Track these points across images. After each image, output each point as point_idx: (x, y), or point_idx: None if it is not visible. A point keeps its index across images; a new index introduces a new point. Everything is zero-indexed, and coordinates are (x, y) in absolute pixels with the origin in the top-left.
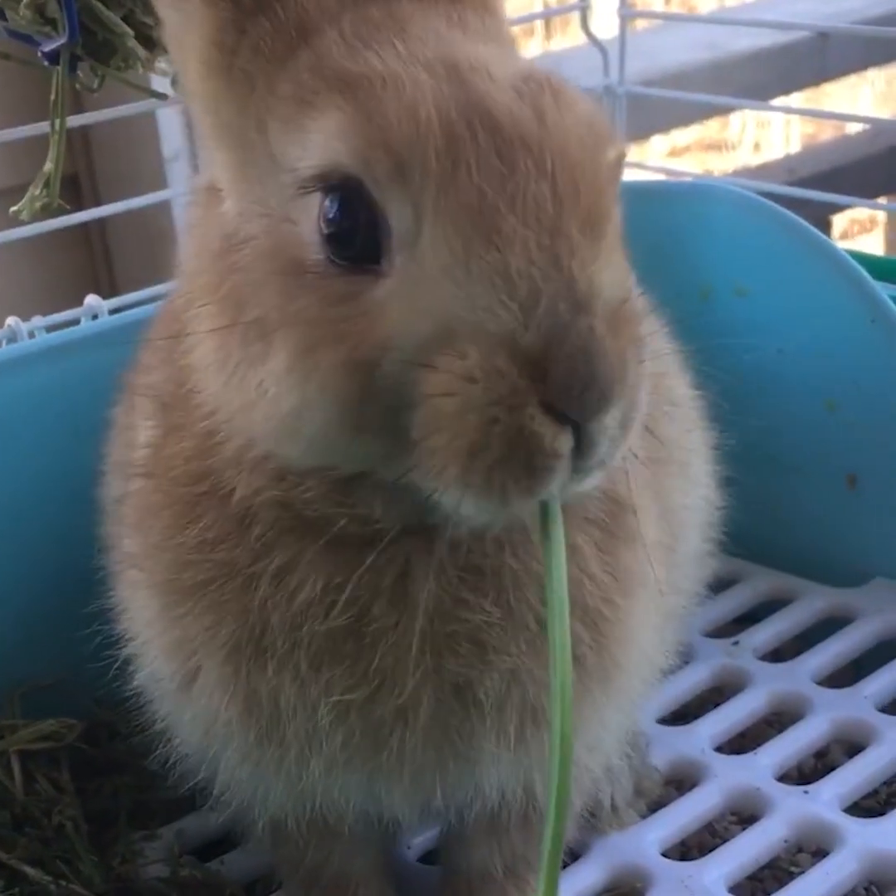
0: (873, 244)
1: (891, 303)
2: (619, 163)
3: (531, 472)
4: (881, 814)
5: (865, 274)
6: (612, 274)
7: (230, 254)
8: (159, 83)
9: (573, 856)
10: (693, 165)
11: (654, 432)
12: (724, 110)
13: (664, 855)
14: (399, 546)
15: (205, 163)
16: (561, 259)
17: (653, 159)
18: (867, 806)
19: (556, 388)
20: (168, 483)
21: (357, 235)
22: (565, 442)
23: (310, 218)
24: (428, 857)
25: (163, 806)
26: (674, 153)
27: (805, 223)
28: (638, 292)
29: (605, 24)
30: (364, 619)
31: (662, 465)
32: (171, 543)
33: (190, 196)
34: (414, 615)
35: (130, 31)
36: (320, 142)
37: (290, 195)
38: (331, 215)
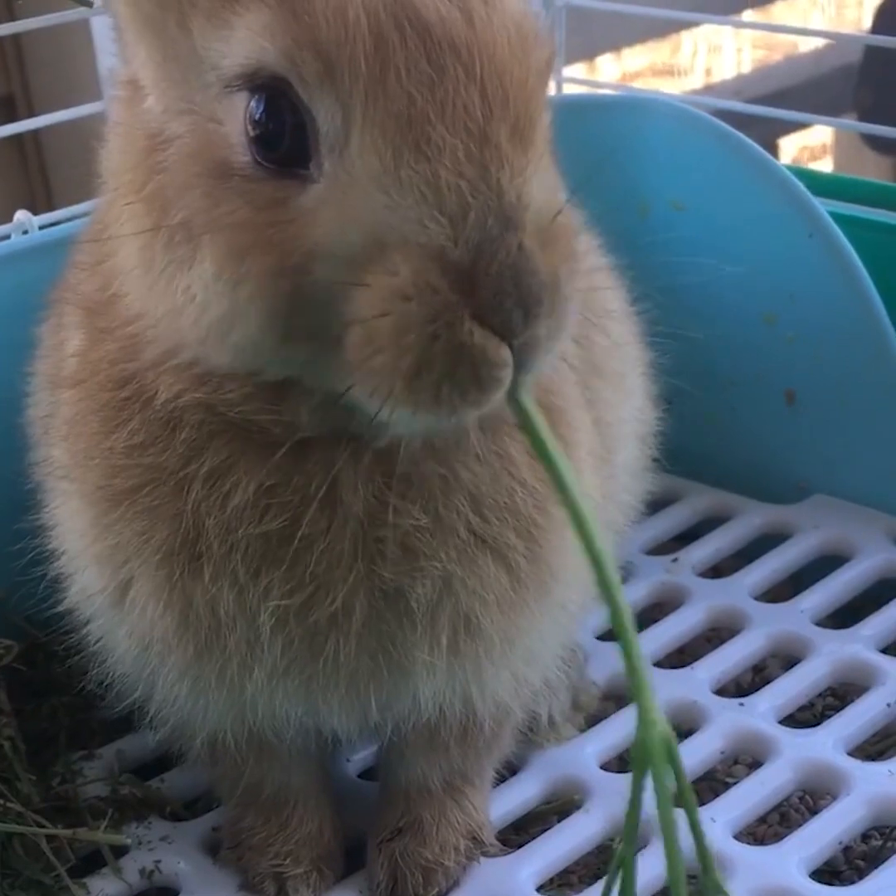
0: (826, 171)
1: (828, 217)
2: (549, 64)
3: (479, 384)
4: (816, 725)
5: (803, 188)
6: (541, 184)
7: (155, 152)
8: None
9: (512, 769)
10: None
11: (587, 345)
12: (673, 29)
13: (603, 768)
14: (326, 451)
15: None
16: (490, 170)
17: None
18: (802, 718)
19: (485, 305)
20: (95, 388)
21: (284, 137)
22: (506, 350)
23: (236, 118)
24: (368, 774)
25: (102, 726)
26: (625, 78)
27: (742, 136)
28: (571, 205)
29: None
30: (297, 523)
31: (596, 377)
32: (100, 449)
33: (113, 90)
34: (343, 520)
35: None
36: (246, 39)
37: (215, 94)
38: (257, 116)
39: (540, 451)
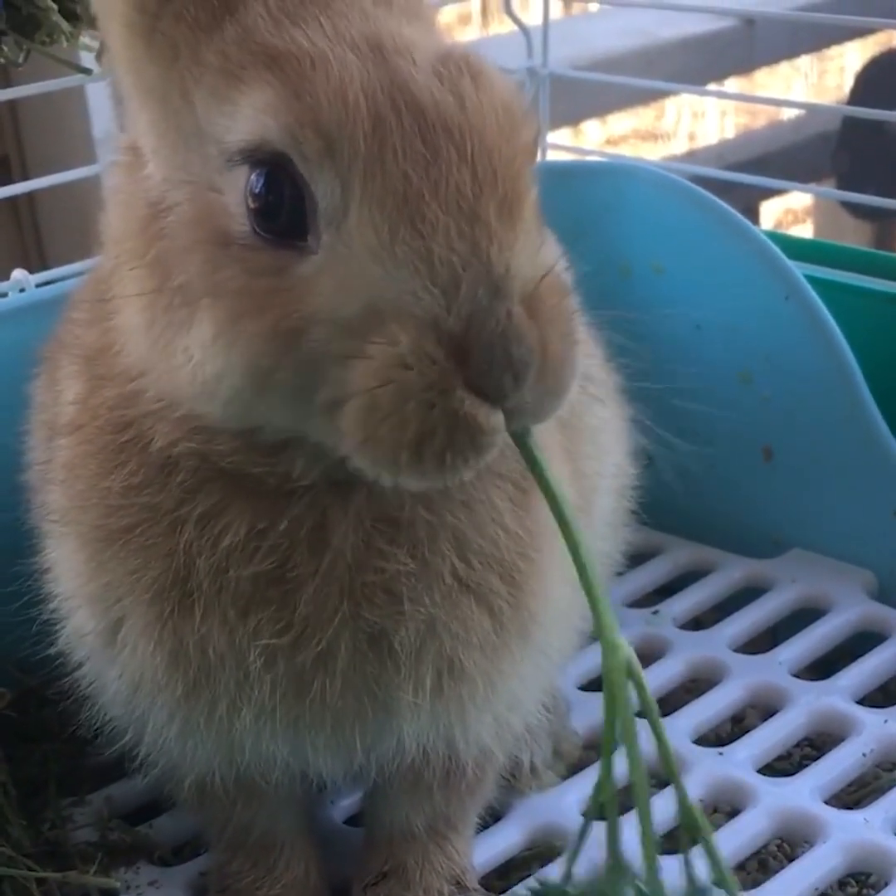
0: (806, 234)
1: (804, 280)
2: (535, 142)
3: (476, 449)
4: (793, 774)
5: (779, 252)
6: (529, 254)
7: (156, 220)
8: (87, 60)
9: (494, 816)
10: (629, 154)
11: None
12: (656, 97)
13: (584, 815)
14: (317, 497)
15: (128, 123)
16: (480, 245)
17: (589, 147)
18: (780, 767)
19: (477, 371)
20: (94, 432)
21: (283, 210)
22: (498, 416)
23: (236, 189)
24: (353, 821)
25: (92, 772)
26: (610, 143)
27: (720, 202)
28: (561, 267)
29: (536, 11)
30: (286, 565)
31: (574, 431)
32: (97, 490)
33: (114, 156)
34: (331, 564)
35: (54, 5)
36: (249, 116)
37: (216, 166)
38: (257, 189)
39: (543, 487)
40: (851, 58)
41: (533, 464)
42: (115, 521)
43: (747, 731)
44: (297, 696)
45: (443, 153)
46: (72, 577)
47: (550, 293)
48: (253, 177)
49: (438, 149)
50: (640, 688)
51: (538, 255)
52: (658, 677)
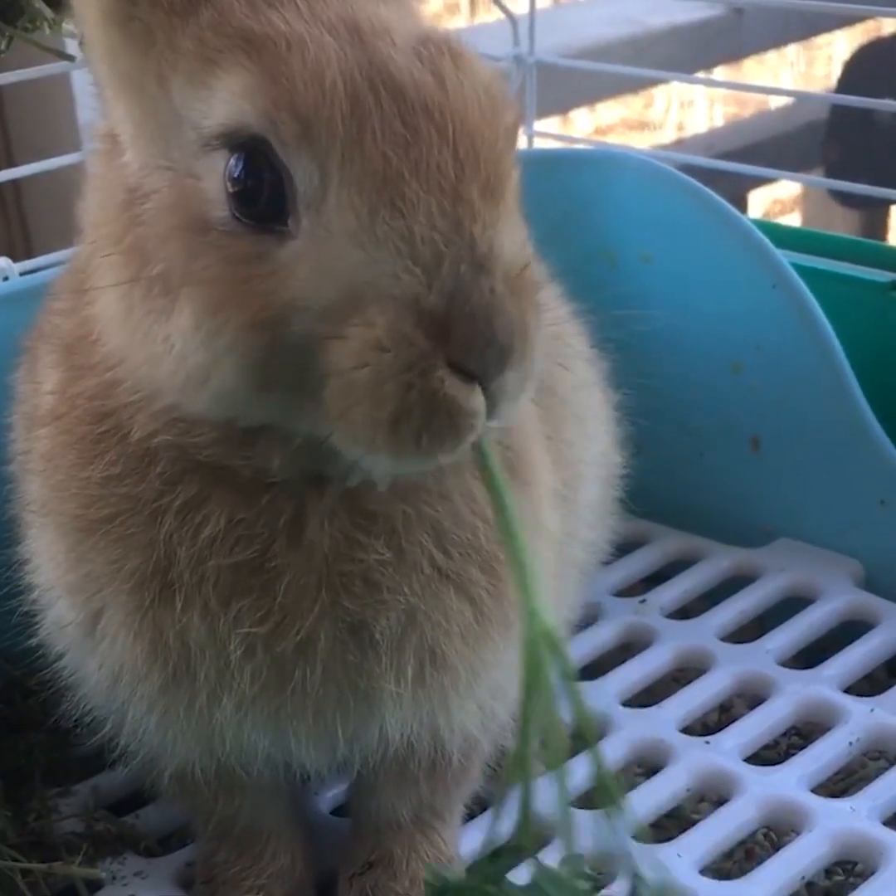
0: (794, 223)
1: (791, 269)
2: (516, 126)
3: (455, 431)
4: (780, 763)
5: (767, 240)
6: (511, 236)
7: (133, 206)
8: (71, 47)
9: (481, 805)
10: (617, 143)
11: (549, 386)
12: (645, 86)
13: (572, 805)
14: (294, 489)
15: (105, 111)
16: (463, 223)
17: (577, 136)
18: (767, 756)
19: (459, 346)
20: (73, 422)
21: (262, 194)
22: (478, 398)
23: (215, 175)
24: (340, 811)
25: (78, 763)
26: (598, 132)
27: (708, 191)
28: (535, 259)
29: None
30: (266, 555)
31: (557, 418)
32: (76, 480)
33: (93, 143)
34: (309, 554)
35: None
36: (226, 100)
37: (194, 151)
38: (236, 174)
39: (492, 491)
40: (840, 46)
41: (488, 473)
42: (95, 511)
43: (734, 720)
44: (278, 686)
45: (423, 134)
46: (51, 567)
47: (531, 284)
48: (231, 161)
49: (419, 129)
50: (557, 656)
51: (520, 239)
52: (645, 667)
